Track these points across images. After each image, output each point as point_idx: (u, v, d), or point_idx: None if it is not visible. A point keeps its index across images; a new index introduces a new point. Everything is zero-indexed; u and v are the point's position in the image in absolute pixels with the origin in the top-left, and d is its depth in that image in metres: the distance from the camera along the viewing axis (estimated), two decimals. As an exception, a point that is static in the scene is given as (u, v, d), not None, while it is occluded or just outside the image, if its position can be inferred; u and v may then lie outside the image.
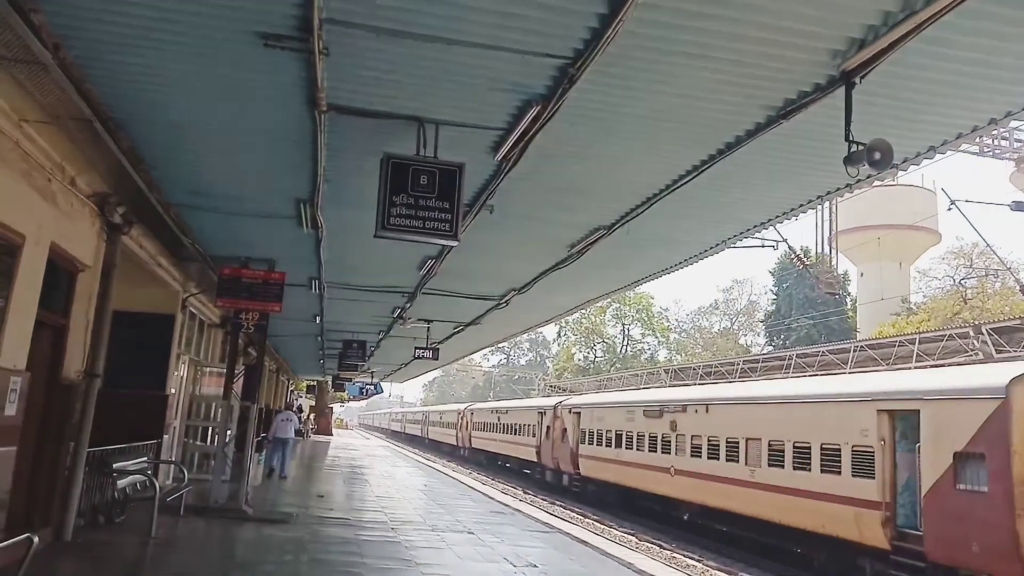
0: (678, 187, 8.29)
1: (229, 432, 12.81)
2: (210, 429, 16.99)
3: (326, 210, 9.65)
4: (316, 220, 9.94)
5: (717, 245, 11.30)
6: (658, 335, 72.58)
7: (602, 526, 20.32)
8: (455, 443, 48.33)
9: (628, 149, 7.54)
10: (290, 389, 48.40)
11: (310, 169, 8.22)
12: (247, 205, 10.08)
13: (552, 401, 31.18)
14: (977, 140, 18.40)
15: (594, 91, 6.16)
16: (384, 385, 56.28)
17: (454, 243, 6.99)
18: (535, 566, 9.56)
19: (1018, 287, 19.44)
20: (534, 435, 31.69)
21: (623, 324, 72.48)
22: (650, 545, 17.78)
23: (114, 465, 9.95)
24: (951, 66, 5.45)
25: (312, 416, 53.56)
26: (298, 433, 35.12)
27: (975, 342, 17.41)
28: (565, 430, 27.76)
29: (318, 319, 19.50)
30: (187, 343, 15.19)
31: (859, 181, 7.66)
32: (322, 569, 8.50)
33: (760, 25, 5.11)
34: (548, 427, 29.72)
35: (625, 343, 72.91)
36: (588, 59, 5.51)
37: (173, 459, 14.02)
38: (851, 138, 5.69)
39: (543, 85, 6.13)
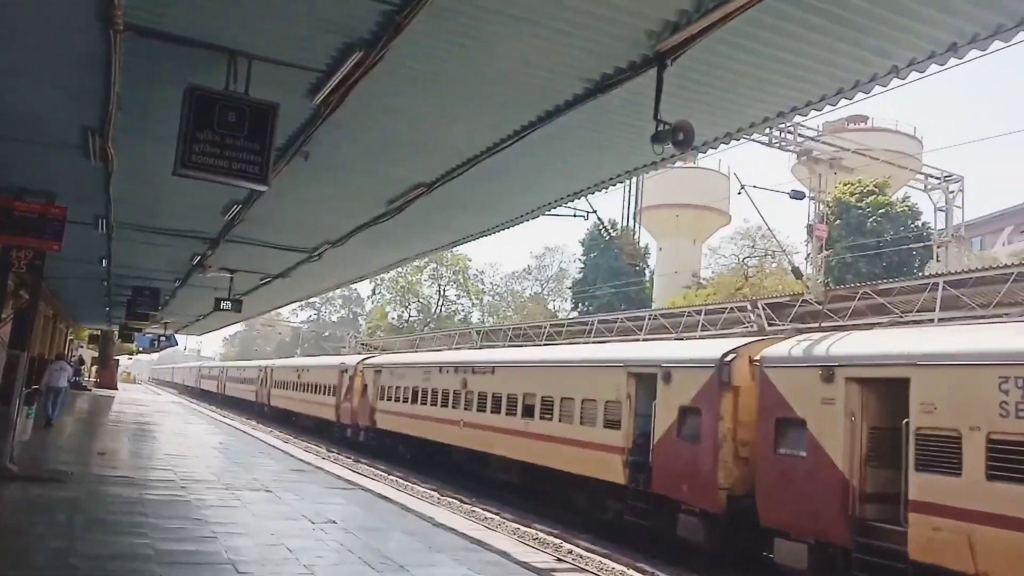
0: (499, 150, 8.38)
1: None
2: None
3: (119, 142, 8.76)
4: (106, 152, 9.00)
5: (533, 211, 11.62)
6: (472, 297, 73.85)
7: (405, 483, 20.52)
8: (255, 400, 46.98)
9: (452, 108, 7.51)
10: (69, 338, 43.99)
11: (101, 95, 7.39)
12: (22, 129, 8.92)
13: (354, 360, 31.54)
14: (767, 131, 20.24)
15: (421, 44, 6.04)
16: (179, 338, 52.81)
17: (263, 188, 6.62)
18: (334, 522, 9.45)
19: (790, 268, 21.77)
20: (334, 393, 31.70)
21: (439, 285, 72.94)
22: (452, 500, 18.23)
23: None
24: (752, 59, 5.91)
25: (94, 368, 49.14)
26: (77, 386, 32.20)
27: (751, 315, 19.35)
28: (366, 387, 28.75)
29: (105, 262, 17.78)
30: (-59, 281, 13.26)
31: (663, 160, 8.21)
32: (100, 531, 7.84)
33: (586, -2, 5.24)
34: (349, 386, 30.22)
35: (440, 303, 73.50)
36: (416, 8, 5.38)
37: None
38: (659, 117, 6.02)
39: (368, 30, 5.91)
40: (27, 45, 6.69)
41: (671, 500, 12.73)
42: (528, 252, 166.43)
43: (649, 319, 22.29)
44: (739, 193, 17.81)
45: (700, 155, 8.98)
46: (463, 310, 75.11)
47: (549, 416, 16.65)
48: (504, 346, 29.09)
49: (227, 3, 5.72)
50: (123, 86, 7.12)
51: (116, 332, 40.12)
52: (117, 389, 47.01)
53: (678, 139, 5.90)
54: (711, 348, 13.20)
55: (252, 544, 7.66)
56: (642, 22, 5.57)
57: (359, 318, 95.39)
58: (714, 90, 6.61)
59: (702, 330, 20.52)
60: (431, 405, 23.00)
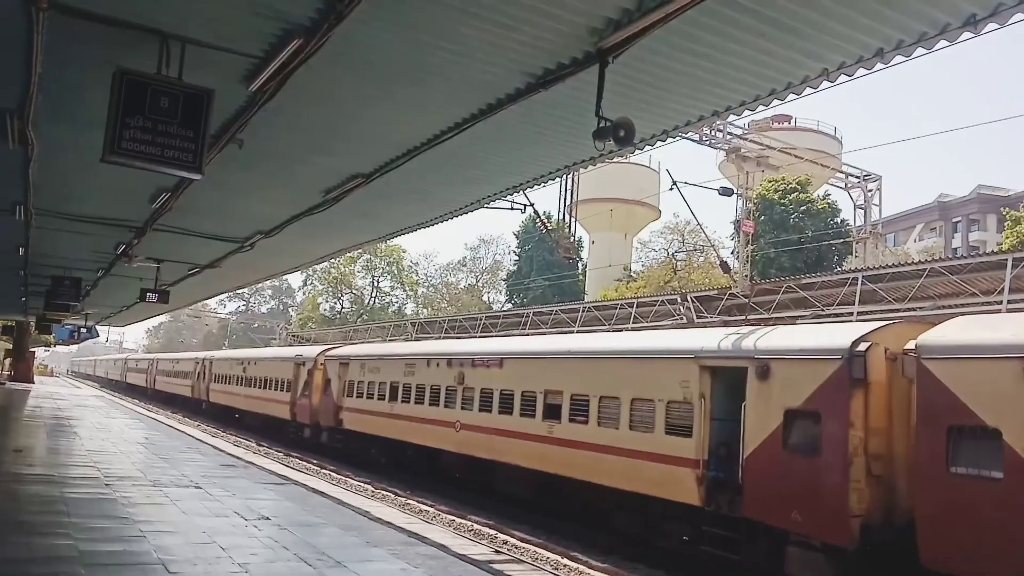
0: (439, 142, 8.36)
1: None
2: None
3: (40, 126, 8.37)
4: (26, 135, 8.58)
5: (472, 204, 11.62)
6: (407, 289, 73.27)
7: (339, 476, 20.28)
8: (190, 395, 42.54)
9: (392, 98, 7.44)
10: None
11: (22, 76, 7.05)
12: (-68, 108, 8.40)
13: (313, 351, 27.93)
14: (699, 129, 20.71)
15: (362, 32, 5.97)
16: (100, 329, 50.74)
17: (197, 176, 6.42)
18: (267, 518, 9.27)
19: (718, 262, 22.36)
20: (288, 388, 28.07)
21: (373, 276, 72.09)
22: (385, 493, 18.11)
23: None
24: (690, 59, 6.05)
25: (8, 361, 46.78)
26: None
27: (681, 308, 19.84)
28: (328, 381, 25.26)
29: (22, 250, 16.95)
30: None
31: (603, 155, 8.33)
32: (19, 532, 7.48)
33: (531, -9, 5.26)
34: (307, 380, 26.73)
35: (374, 295, 72.66)
36: (358, -4, 5.31)
37: None
38: (601, 114, 6.10)
39: (307, 17, 5.81)
40: (-62, 21, 6.32)
41: (772, 528, 10.20)
42: (463, 244, 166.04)
43: (583, 311, 22.58)
44: (671, 189, 18.16)
45: (637, 151, 9.14)
46: (397, 302, 74.46)
47: (582, 418, 13.58)
48: (517, 334, 25.19)
49: (160, -16, 5.54)
50: (45, 67, 6.81)
51: (32, 323, 38.22)
52: (33, 383, 44.89)
53: (619, 136, 6.00)
54: (835, 335, 10.51)
55: (183, 543, 7.45)
56: (585, 19, 5.63)
57: (290, 309, 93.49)
58: (653, 88, 6.75)
59: (634, 322, 20.94)
60: (415, 403, 19.59)
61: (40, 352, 62.19)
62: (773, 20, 5.45)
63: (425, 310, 71.21)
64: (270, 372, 30.41)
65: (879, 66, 6.14)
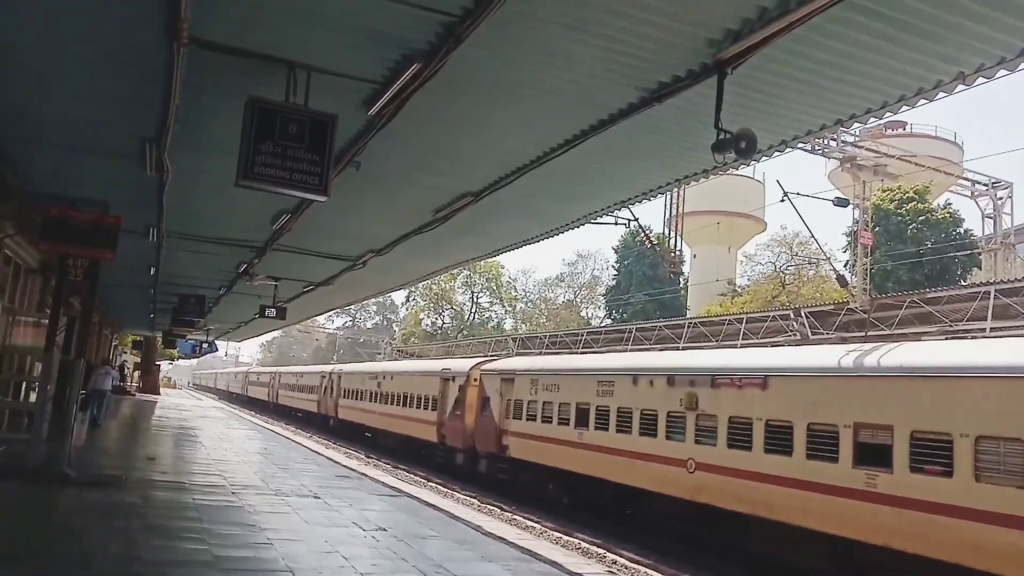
0: (549, 159, 8.39)
1: (50, 388, 11.65)
2: (23, 384, 15.41)
3: (174, 153, 8.93)
4: (162, 163, 9.18)
5: (578, 219, 11.60)
6: (506, 304, 73.96)
7: (446, 489, 20.56)
8: (315, 411, 39.97)
9: (503, 117, 7.53)
10: (114, 344, 44.91)
11: (161, 107, 7.55)
12: (83, 140, 9.14)
13: (464, 364, 24.50)
14: (814, 138, 20.03)
15: (478, 56, 6.07)
16: (219, 344, 53.59)
17: (323, 198, 6.68)
18: (384, 529, 9.48)
19: (834, 275, 21.41)
20: (433, 407, 24.92)
21: (472, 292, 73.18)
22: (492, 507, 18.21)
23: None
24: (814, 66, 5.84)
25: (137, 373, 50.09)
26: (121, 391, 32.87)
27: (795, 324, 19.10)
28: (486, 400, 21.74)
29: (153, 270, 18.14)
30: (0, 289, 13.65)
31: (716, 168, 8.15)
32: (159, 535, 7.97)
33: (647, 7, 5.23)
34: (457, 398, 23.40)
35: (473, 310, 73.70)
36: (478, 19, 5.41)
37: (-21, 417, 12.61)
38: (720, 126, 5.97)
39: (427, 42, 5.96)
40: (89, 58, 6.86)
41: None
42: (560, 259, 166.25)
43: (689, 327, 22.09)
44: (782, 201, 17.58)
45: (755, 163, 8.89)
46: (496, 317, 75.26)
47: (941, 467, 9.77)
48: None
49: (289, 17, 5.81)
50: (182, 98, 7.25)
51: (160, 338, 40.84)
52: (159, 394, 47.85)
53: (740, 147, 5.85)
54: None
55: (307, 551, 7.72)
56: (703, 31, 5.53)
57: (393, 325, 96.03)
58: (774, 97, 6.55)
59: (743, 339, 20.31)
60: (618, 432, 15.95)
61: (164, 365, 66.20)
62: (906, 24, 5.19)
63: (524, 325, 71.56)
64: (411, 388, 27.24)
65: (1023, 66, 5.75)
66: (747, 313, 22.95)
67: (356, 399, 33.53)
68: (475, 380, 22.67)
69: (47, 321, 12.75)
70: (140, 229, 13.37)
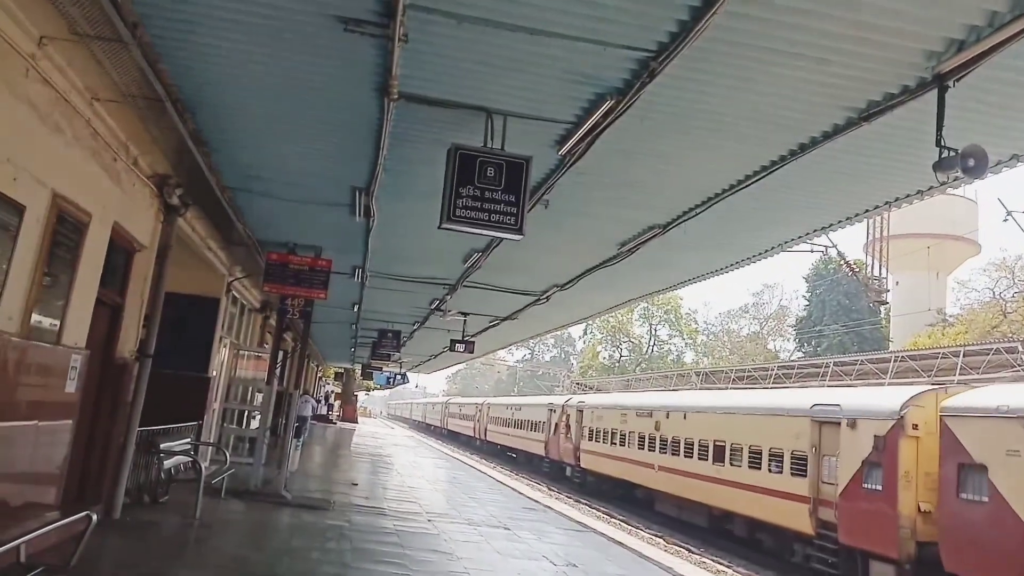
0: (742, 188, 8.10)
1: (269, 417, 12.86)
2: (246, 413, 17.10)
3: (380, 199, 9.60)
4: (369, 209, 9.89)
5: (771, 248, 11.09)
6: (685, 337, 72.08)
7: (630, 527, 20.20)
8: (472, 434, 51.17)
9: (697, 147, 7.39)
10: (318, 375, 48.72)
11: (371, 158, 8.15)
12: (301, 191, 10.07)
13: (561, 399, 33.97)
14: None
15: (671, 87, 6.01)
16: (410, 375, 56.50)
17: (518, 237, 6.88)
18: (575, 566, 9.46)
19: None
20: (543, 430, 34.31)
21: (650, 324, 72.06)
22: (679, 548, 17.64)
23: (161, 445, 10.01)
24: (1052, 72, 5.23)
25: (338, 403, 53.91)
26: (325, 419, 35.58)
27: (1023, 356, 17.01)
28: (570, 427, 30.35)
29: (356, 307, 19.53)
30: (228, 327, 15.29)
31: (932, 189, 7.53)
32: (366, 558, 8.47)
33: (858, 24, 4.93)
34: (556, 424, 32.13)
35: (652, 343, 72.50)
36: (673, 53, 5.37)
37: (212, 441, 14.12)
38: (942, 143, 5.49)
39: (620, 79, 5.99)
40: (312, 120, 7.57)
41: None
42: (744, 289, 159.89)
43: (896, 360, 20.32)
44: (1005, 220, 15.80)
45: (982, 180, 8.08)
46: (675, 350, 73.50)
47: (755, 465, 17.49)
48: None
49: (488, 66, 6.08)
50: (390, 148, 7.80)
51: (358, 370, 43.82)
52: (357, 423, 51.18)
53: (968, 165, 5.34)
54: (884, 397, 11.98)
55: (503, 582, 7.87)
56: (921, 43, 5.13)
57: (571, 357, 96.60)
58: (1002, 109, 5.94)
59: (961, 373, 18.34)
60: (627, 447, 24.09)
61: (360, 396, 70.72)
62: None
63: (705, 359, 69.30)
64: (530, 416, 36.94)
65: None
66: (965, 346, 20.74)
67: (498, 424, 43.02)
68: (566, 411, 31.60)
69: (265, 355, 14.13)
70: (347, 270, 14.46)
